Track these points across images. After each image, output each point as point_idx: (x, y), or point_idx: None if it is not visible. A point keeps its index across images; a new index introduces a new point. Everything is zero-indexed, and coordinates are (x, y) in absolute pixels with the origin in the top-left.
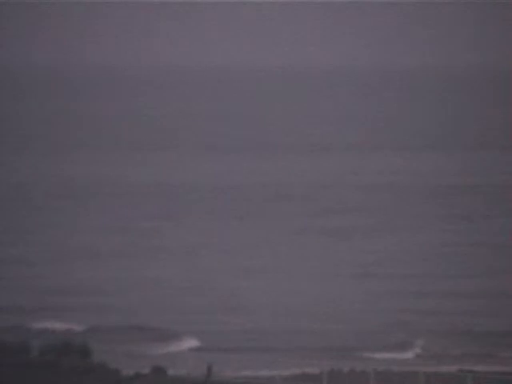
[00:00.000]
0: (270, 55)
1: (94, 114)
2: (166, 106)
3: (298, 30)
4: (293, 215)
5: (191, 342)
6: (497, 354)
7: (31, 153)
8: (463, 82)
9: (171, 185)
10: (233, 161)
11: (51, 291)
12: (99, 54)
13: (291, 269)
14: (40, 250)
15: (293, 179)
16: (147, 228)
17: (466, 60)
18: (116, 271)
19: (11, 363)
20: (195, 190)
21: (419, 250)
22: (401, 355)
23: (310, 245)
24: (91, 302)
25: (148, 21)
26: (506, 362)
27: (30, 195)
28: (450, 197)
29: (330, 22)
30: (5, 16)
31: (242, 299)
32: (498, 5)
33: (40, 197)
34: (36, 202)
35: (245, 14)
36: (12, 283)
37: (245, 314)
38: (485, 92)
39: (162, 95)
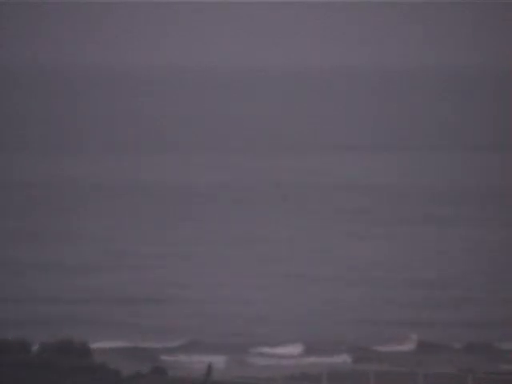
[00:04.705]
0: (270, 55)
1: (93, 114)
2: (166, 106)
3: (297, 30)
4: (292, 215)
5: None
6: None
7: (31, 153)
8: (463, 82)
9: (171, 186)
10: (232, 161)
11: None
12: (99, 54)
13: (291, 270)
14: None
15: (292, 179)
16: (150, 230)
17: (466, 60)
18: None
19: (11, 363)
20: (196, 190)
21: (417, 252)
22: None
23: (310, 245)
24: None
25: (148, 21)
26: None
27: (29, 196)
28: (449, 198)
29: (329, 22)
30: (5, 16)
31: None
32: (498, 5)
33: (39, 197)
34: (35, 202)
35: (245, 14)
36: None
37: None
38: (485, 92)
39: (162, 95)
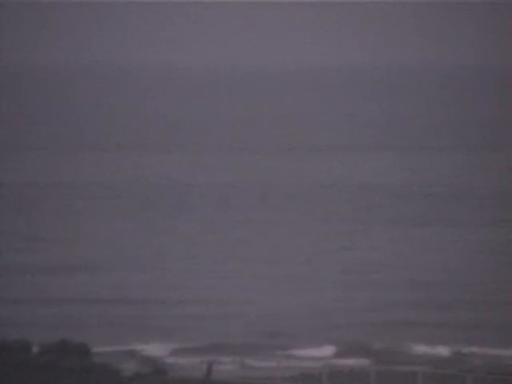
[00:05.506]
0: (269, 55)
1: (94, 114)
2: (166, 106)
3: (297, 30)
4: (291, 216)
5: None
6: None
7: (32, 153)
8: (463, 82)
9: (171, 186)
10: (232, 161)
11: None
12: (99, 54)
13: (288, 271)
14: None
15: (292, 180)
16: (150, 230)
17: (466, 60)
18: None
19: (10, 362)
20: (196, 190)
21: (417, 253)
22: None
23: (310, 246)
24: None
25: (148, 21)
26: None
27: (30, 197)
28: (449, 198)
29: (330, 22)
30: (5, 16)
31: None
32: (498, 5)
33: (40, 198)
34: (35, 204)
35: (244, 15)
36: (11, 293)
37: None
38: (485, 92)
39: (162, 95)
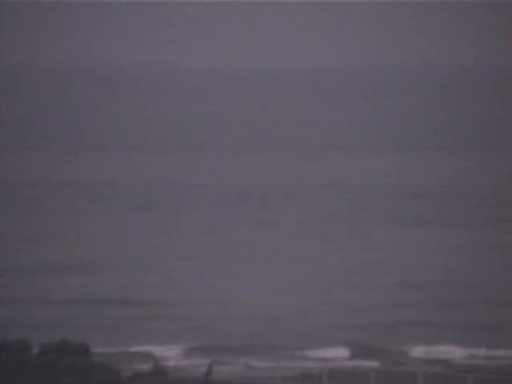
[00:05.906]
0: (270, 55)
1: (94, 114)
2: (165, 106)
3: (297, 29)
4: (291, 216)
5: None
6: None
7: (32, 153)
8: (463, 82)
9: (171, 186)
10: (232, 161)
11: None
12: (100, 54)
13: (286, 270)
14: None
15: (292, 180)
16: (150, 231)
17: (466, 60)
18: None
19: (10, 362)
20: (196, 190)
21: (417, 253)
22: None
23: (309, 247)
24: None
25: (148, 21)
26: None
27: (30, 197)
28: (449, 198)
29: (330, 22)
30: (5, 16)
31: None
32: (498, 5)
33: (40, 198)
34: (35, 204)
35: (244, 15)
36: (11, 293)
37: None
38: (485, 92)
39: (162, 95)
